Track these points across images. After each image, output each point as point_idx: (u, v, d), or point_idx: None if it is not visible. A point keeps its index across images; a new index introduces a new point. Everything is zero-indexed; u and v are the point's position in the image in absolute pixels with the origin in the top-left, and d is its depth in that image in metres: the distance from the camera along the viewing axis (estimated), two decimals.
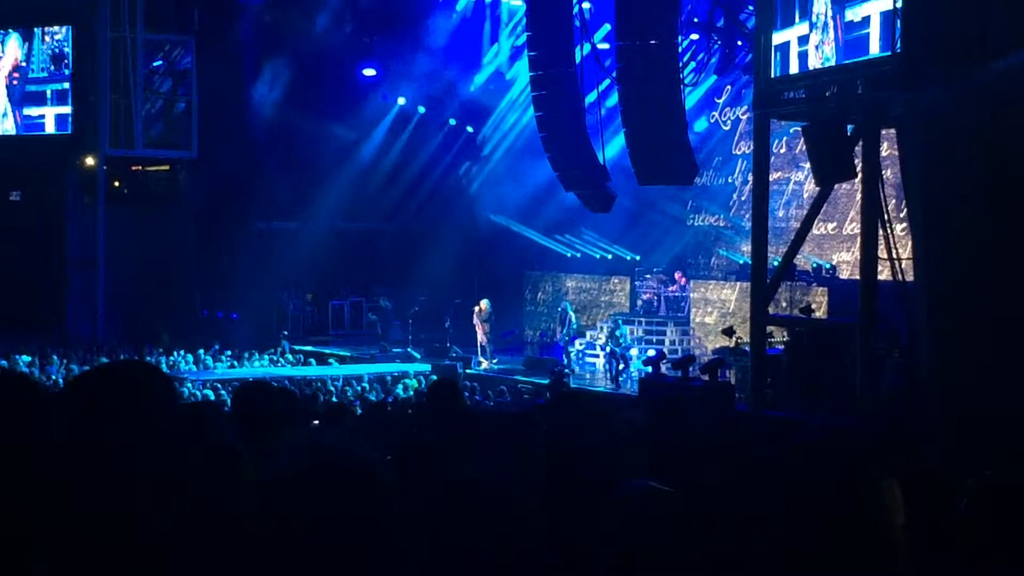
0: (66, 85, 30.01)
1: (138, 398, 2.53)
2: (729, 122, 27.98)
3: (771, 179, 20.31)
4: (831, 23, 16.66)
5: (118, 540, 2.34)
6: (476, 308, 26.59)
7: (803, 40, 17.30)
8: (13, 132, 30.37)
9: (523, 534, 2.78)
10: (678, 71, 21.58)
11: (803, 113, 17.44)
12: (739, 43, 23.95)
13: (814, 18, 17.02)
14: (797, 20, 17.39)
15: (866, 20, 16.00)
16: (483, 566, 2.89)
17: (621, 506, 3.23)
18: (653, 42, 20.54)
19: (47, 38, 30.04)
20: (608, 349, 24.01)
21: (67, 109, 29.95)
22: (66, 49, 29.91)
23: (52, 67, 30.07)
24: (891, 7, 15.19)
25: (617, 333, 23.69)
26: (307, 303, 31.61)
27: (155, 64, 30.50)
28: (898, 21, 14.92)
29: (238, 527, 2.71)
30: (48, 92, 30.25)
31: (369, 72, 31.25)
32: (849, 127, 16.71)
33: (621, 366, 23.12)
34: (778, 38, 17.80)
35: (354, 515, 2.13)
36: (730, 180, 28.06)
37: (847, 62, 16.40)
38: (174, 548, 2.40)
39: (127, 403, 2.50)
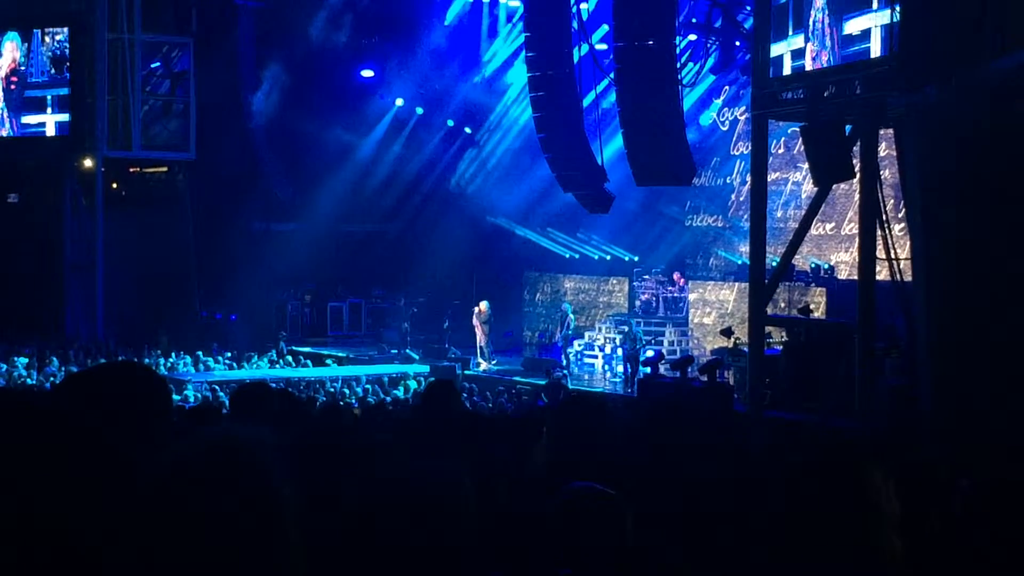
0: (67, 91, 29.91)
1: (132, 398, 2.52)
2: (727, 122, 27.98)
3: (769, 179, 20.31)
4: (827, 32, 16.64)
5: (113, 540, 2.33)
6: (476, 309, 26.59)
7: (798, 54, 17.27)
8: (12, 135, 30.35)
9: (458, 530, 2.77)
10: (676, 72, 21.58)
11: (801, 113, 17.43)
12: (737, 43, 23.95)
13: (810, 28, 16.97)
14: (791, 32, 17.35)
15: (866, 33, 15.97)
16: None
17: (565, 508, 3.25)
18: (651, 43, 20.54)
19: (47, 39, 29.96)
20: (623, 352, 23.91)
21: (68, 117, 29.85)
22: (67, 51, 29.83)
23: (52, 70, 29.98)
24: (890, 20, 15.15)
25: (633, 333, 23.65)
26: (305, 304, 31.60)
27: (153, 66, 30.48)
28: (896, 22, 14.91)
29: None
30: (48, 98, 30.17)
31: (367, 73, 31.25)
32: (847, 127, 16.72)
33: (630, 369, 22.97)
34: (773, 51, 17.77)
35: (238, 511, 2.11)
36: (728, 180, 28.07)
37: (845, 63, 16.40)
38: (169, 547, 2.39)
39: (121, 403, 2.50)
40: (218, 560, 2.10)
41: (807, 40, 17.00)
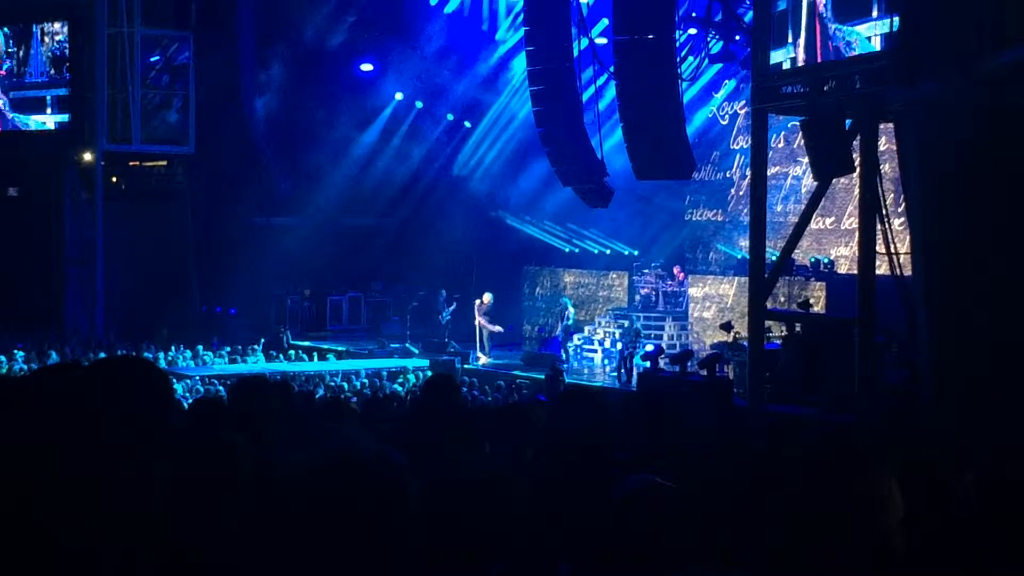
0: (66, 91, 29.86)
1: (134, 393, 2.52)
2: (727, 117, 27.98)
3: (769, 174, 20.30)
4: (828, 40, 16.59)
5: (113, 534, 2.33)
6: (477, 302, 26.61)
7: (796, 62, 17.24)
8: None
9: (515, 527, 2.75)
10: (676, 66, 21.56)
11: (801, 107, 17.42)
12: (737, 38, 23.92)
13: (808, 37, 16.92)
14: (791, 39, 17.30)
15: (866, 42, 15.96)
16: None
17: (623, 503, 3.19)
18: (651, 37, 20.52)
19: (46, 39, 29.92)
20: (620, 347, 23.86)
21: (67, 117, 29.80)
22: (67, 51, 29.78)
23: (52, 71, 29.94)
24: (890, 30, 15.11)
25: (634, 328, 23.60)
26: (305, 298, 31.62)
27: (153, 59, 30.46)
28: (896, 16, 14.89)
29: (235, 521, 2.69)
30: (48, 98, 30.13)
31: (367, 67, 31.22)
32: (847, 121, 16.70)
33: (625, 373, 22.88)
34: (772, 57, 17.72)
35: (372, 516, 2.11)
36: (728, 175, 28.07)
37: (845, 57, 16.38)
38: (171, 543, 2.39)
39: (123, 398, 2.49)
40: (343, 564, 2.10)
41: (806, 48, 16.93)
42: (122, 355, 3.80)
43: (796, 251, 20.14)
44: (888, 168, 19.21)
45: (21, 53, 30.06)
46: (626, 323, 24.89)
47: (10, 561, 2.31)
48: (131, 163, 31.39)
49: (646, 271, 27.64)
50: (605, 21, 25.03)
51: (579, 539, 3.30)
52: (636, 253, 28.94)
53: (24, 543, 2.32)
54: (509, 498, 2.73)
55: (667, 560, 3.08)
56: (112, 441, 2.45)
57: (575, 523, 3.38)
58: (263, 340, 27.40)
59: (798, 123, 18.54)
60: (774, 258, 19.63)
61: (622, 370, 23.07)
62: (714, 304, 26.46)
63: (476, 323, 26.48)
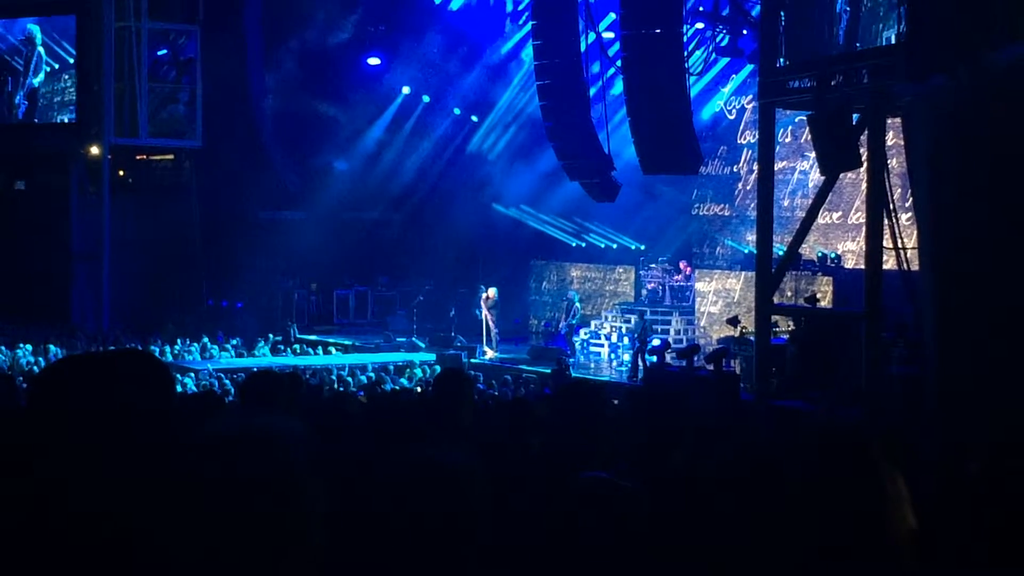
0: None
1: (134, 386, 2.51)
2: (734, 111, 27.94)
3: (776, 168, 20.24)
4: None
5: (111, 531, 2.33)
6: (484, 296, 26.62)
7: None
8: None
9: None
10: (683, 60, 21.51)
11: (808, 102, 17.37)
12: (744, 32, 23.87)
13: None
14: None
15: None
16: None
17: (578, 500, 3.16)
18: (658, 31, 20.48)
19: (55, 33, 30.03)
20: (635, 342, 23.82)
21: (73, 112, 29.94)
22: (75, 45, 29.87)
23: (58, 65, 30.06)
24: (897, 30, 15.08)
25: (644, 325, 23.54)
26: (312, 292, 31.65)
27: (160, 53, 30.49)
28: (903, 10, 14.86)
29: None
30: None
31: (374, 61, 31.22)
32: (855, 116, 16.65)
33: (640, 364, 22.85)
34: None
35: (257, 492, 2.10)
36: (735, 169, 28.03)
37: (853, 51, 16.34)
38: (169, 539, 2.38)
39: (122, 390, 2.49)
40: (236, 550, 2.09)
41: None
42: (123, 348, 3.79)
43: (803, 246, 20.11)
44: (895, 163, 19.17)
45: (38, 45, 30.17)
46: (634, 318, 24.87)
47: (24, 561, 2.31)
48: (138, 157, 31.46)
49: (653, 265, 27.64)
50: (612, 15, 24.98)
51: (534, 540, 3.27)
52: (643, 247, 28.93)
53: (37, 542, 2.32)
54: (466, 495, 2.68)
55: (621, 560, 3.05)
56: (112, 438, 2.44)
57: (532, 523, 3.34)
58: (272, 337, 27.35)
59: (805, 118, 18.49)
60: (781, 253, 19.60)
61: (638, 365, 23.04)
62: (721, 299, 26.44)
63: (483, 317, 26.51)
